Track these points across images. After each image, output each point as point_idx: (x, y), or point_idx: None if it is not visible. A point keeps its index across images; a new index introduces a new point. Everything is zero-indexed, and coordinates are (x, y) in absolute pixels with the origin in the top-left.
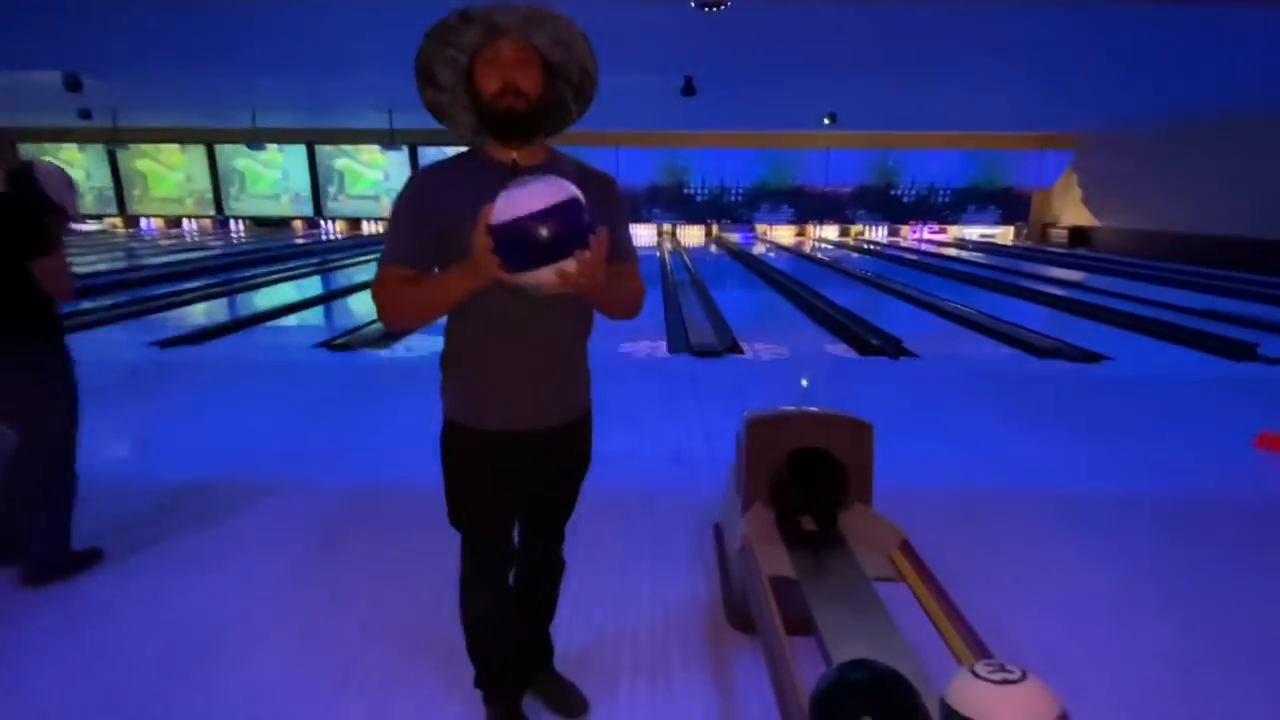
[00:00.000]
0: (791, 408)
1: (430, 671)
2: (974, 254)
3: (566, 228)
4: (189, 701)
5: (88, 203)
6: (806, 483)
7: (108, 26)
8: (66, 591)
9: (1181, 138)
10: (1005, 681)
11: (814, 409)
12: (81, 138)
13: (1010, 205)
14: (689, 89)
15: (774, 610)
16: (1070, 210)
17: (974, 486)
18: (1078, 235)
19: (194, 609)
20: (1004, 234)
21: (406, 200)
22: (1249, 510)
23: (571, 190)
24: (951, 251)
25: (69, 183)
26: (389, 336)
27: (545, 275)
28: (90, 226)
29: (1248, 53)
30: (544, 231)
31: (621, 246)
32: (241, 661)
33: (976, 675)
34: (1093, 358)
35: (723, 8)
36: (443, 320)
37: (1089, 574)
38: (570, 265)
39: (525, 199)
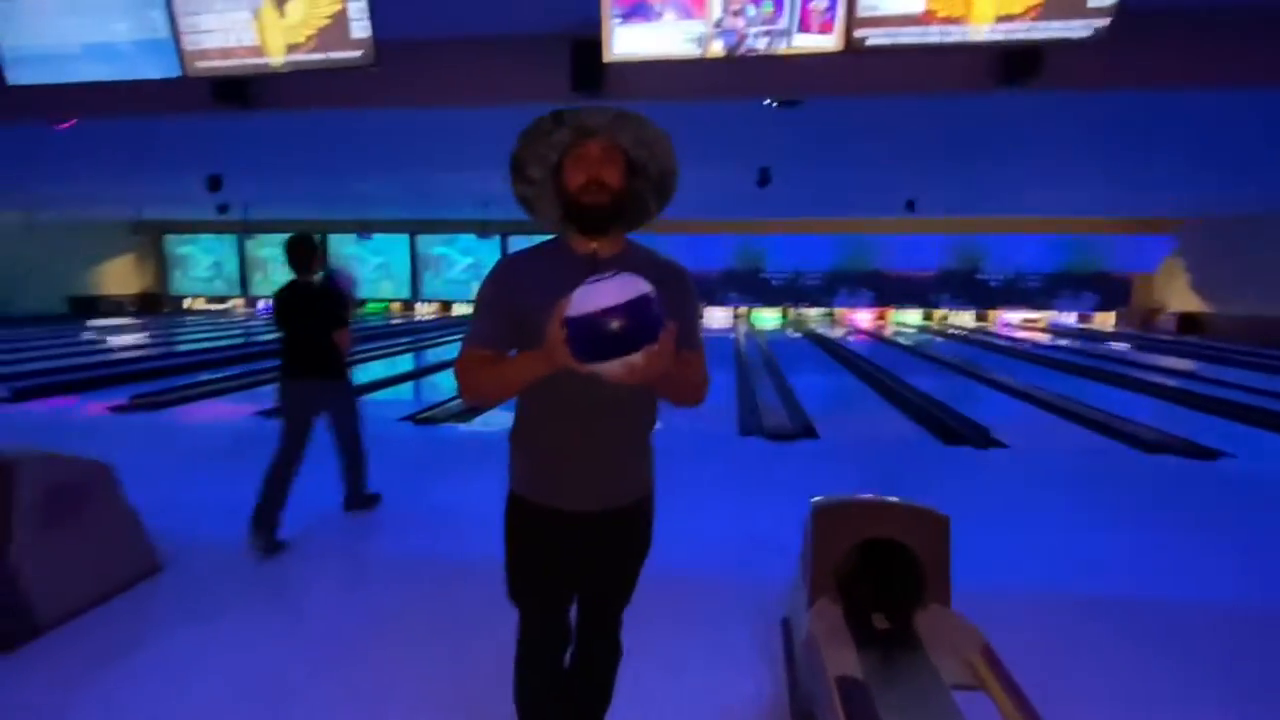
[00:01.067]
0: (863, 496)
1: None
2: (1071, 341)
3: (636, 324)
4: None
5: (217, 286)
6: (879, 577)
7: (242, 137)
8: (158, 643)
9: None
10: None
11: (887, 498)
12: (216, 229)
13: (1108, 290)
14: (764, 180)
15: (841, 713)
16: (1178, 295)
17: (1063, 591)
18: (1187, 321)
19: (264, 665)
20: (1103, 320)
21: (490, 285)
22: None
23: (644, 288)
24: (1045, 338)
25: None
26: (471, 411)
27: (613, 367)
28: (217, 306)
29: None
30: (614, 326)
31: (689, 336)
32: (309, 705)
33: None
34: (1208, 454)
35: (799, 105)
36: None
37: (1193, 694)
38: (638, 359)
39: (600, 295)
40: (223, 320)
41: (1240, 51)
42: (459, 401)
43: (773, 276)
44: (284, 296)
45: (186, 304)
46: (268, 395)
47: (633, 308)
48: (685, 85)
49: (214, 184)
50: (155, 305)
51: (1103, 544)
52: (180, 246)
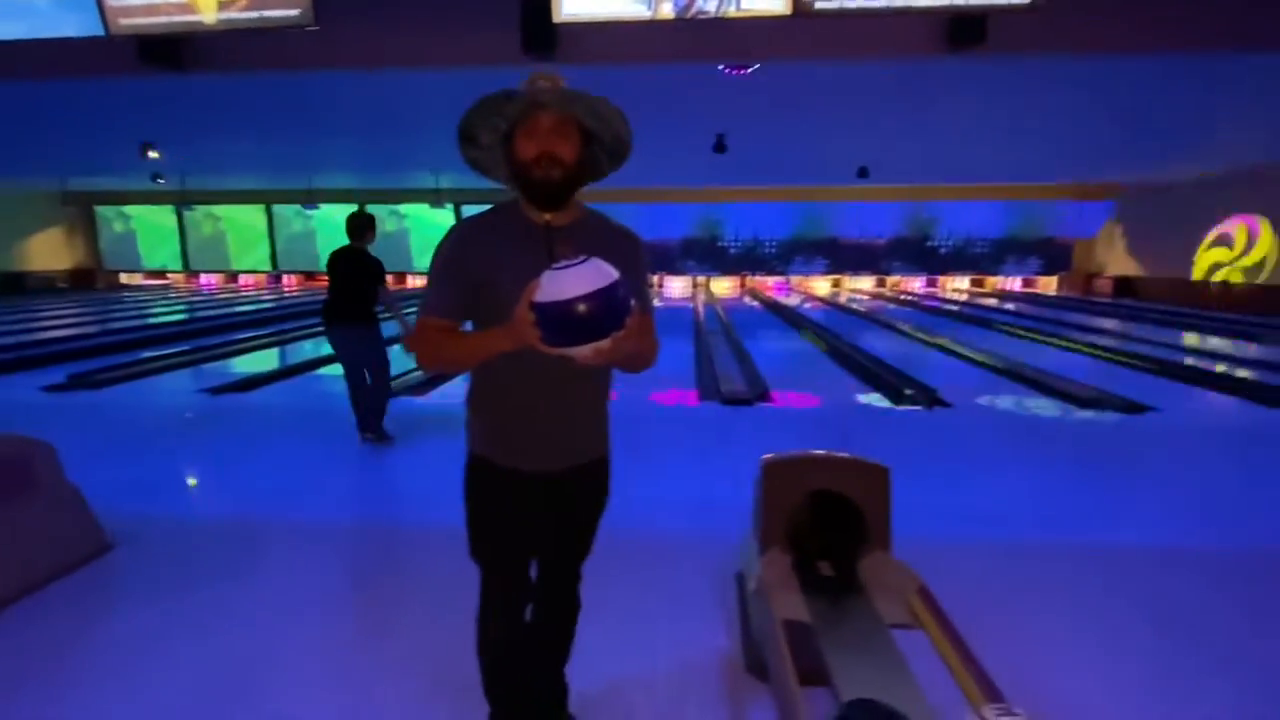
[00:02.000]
0: (809, 451)
1: (447, 706)
2: (1015, 304)
3: (605, 311)
4: None
5: (156, 260)
6: (825, 528)
7: (176, 100)
8: (115, 622)
9: (1228, 186)
10: None
11: (832, 452)
12: (152, 199)
13: (1051, 255)
14: (720, 147)
15: (787, 654)
16: (1115, 260)
17: (1006, 538)
18: (1122, 284)
19: (230, 639)
20: (1046, 284)
21: (445, 254)
22: None
23: (613, 276)
24: (991, 302)
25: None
26: (428, 383)
27: (582, 351)
28: (156, 281)
29: None
30: (583, 313)
31: (640, 300)
32: (271, 691)
33: (981, 718)
34: (1137, 408)
35: (746, 72)
36: None
37: (1126, 629)
38: (605, 344)
39: (569, 282)
40: (163, 296)
41: (1176, 17)
42: (417, 374)
43: (730, 245)
44: (339, 256)
45: (124, 279)
46: (213, 373)
47: (601, 295)
48: (637, 48)
49: (145, 149)
50: (89, 281)
51: (1042, 493)
52: (114, 219)
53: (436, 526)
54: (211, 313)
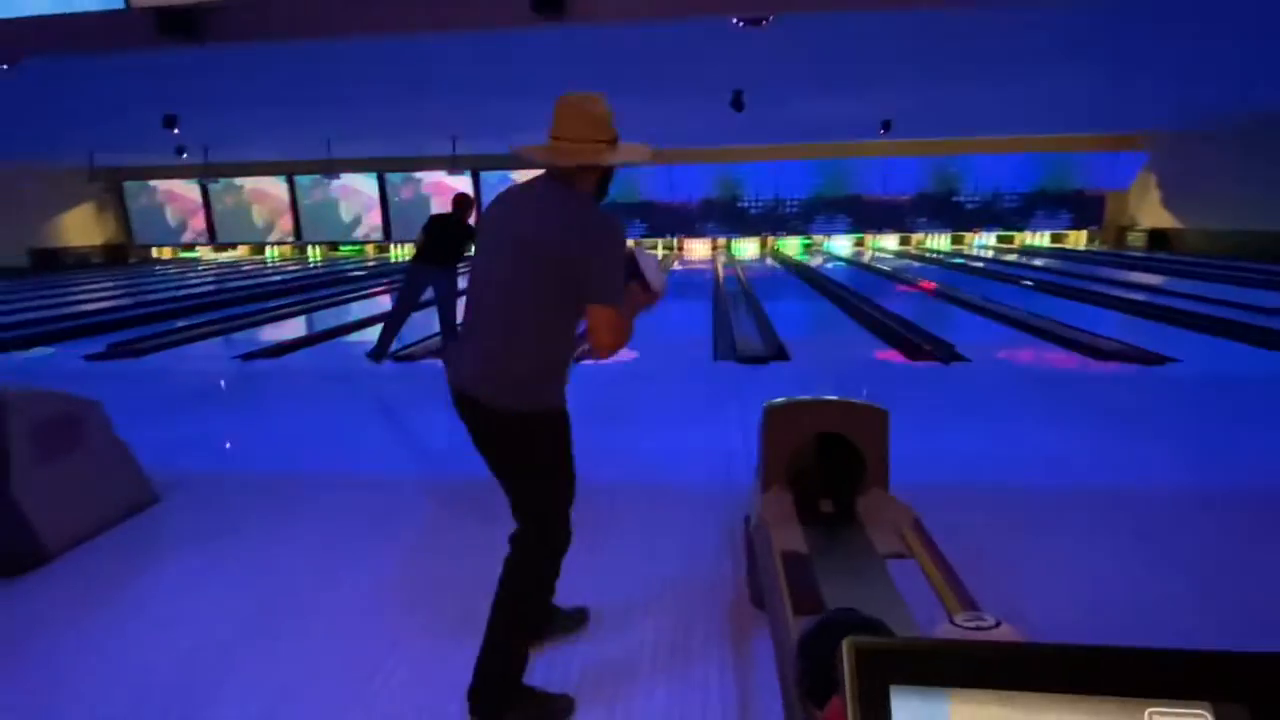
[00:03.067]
0: (810, 397)
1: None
2: (1044, 260)
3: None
4: (261, 658)
5: (185, 235)
6: (828, 468)
7: (196, 72)
8: (163, 567)
9: (1265, 133)
10: (979, 628)
11: (831, 397)
12: (177, 174)
13: (1082, 209)
14: (737, 104)
15: (783, 582)
16: (1149, 212)
17: (1016, 484)
18: (1157, 238)
19: (269, 581)
20: (1076, 239)
21: (624, 244)
22: None
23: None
24: (1019, 258)
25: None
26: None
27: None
28: (186, 255)
29: None
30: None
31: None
32: (306, 626)
33: (954, 624)
34: (1158, 360)
35: (765, 24)
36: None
37: (1128, 568)
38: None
39: (653, 260)
40: (192, 269)
41: None
42: (437, 339)
43: (751, 205)
44: (438, 218)
45: (154, 253)
46: (244, 341)
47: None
48: (648, 5)
49: (169, 122)
50: (122, 256)
51: (1056, 442)
52: (142, 195)
53: (455, 478)
54: (240, 284)
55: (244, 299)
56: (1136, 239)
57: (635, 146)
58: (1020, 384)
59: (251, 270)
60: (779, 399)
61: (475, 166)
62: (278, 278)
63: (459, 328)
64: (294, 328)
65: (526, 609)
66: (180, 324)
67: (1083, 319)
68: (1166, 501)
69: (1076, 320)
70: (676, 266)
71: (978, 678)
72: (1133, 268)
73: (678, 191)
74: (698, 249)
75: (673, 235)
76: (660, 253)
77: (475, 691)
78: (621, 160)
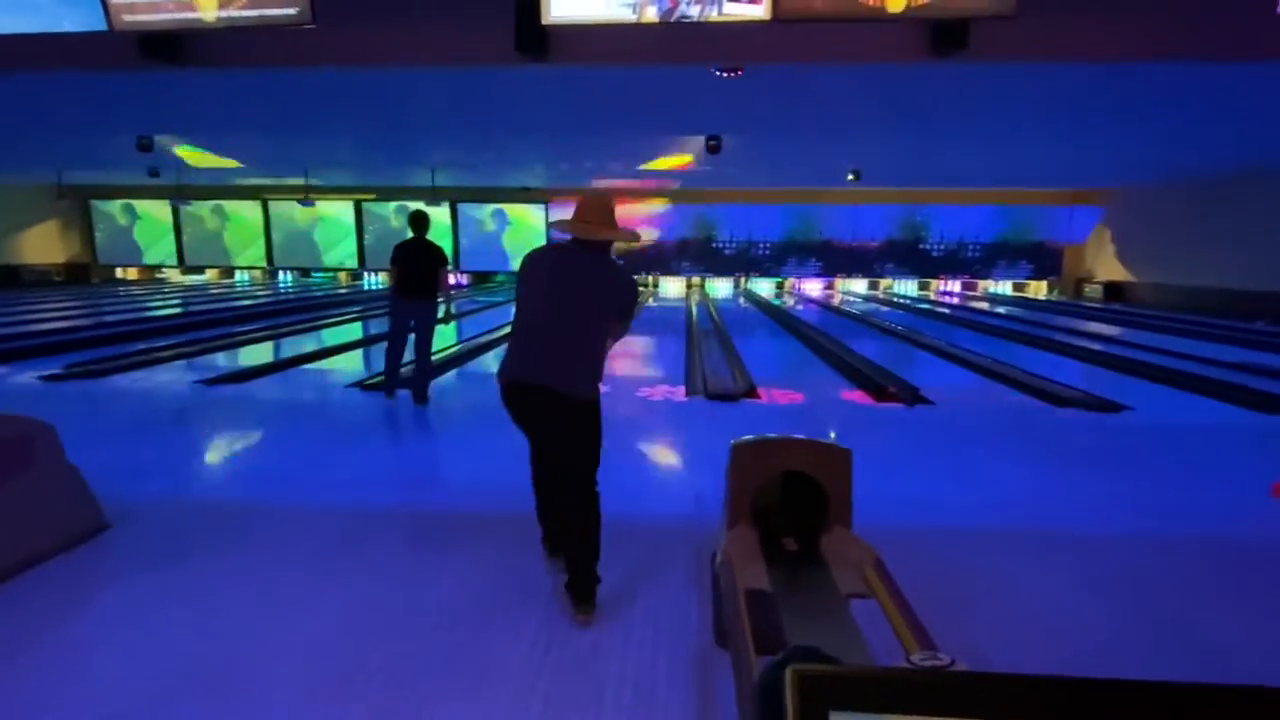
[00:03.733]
0: (776, 435)
1: (428, 676)
2: (1005, 308)
3: None
4: (206, 702)
5: (151, 255)
6: (792, 507)
7: (174, 96)
8: (112, 595)
9: (1217, 192)
10: (935, 666)
11: (796, 436)
12: (148, 194)
13: (1042, 259)
14: (714, 147)
15: (746, 621)
16: (1104, 265)
17: (976, 526)
18: (1112, 290)
19: (221, 612)
20: (1037, 288)
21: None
22: (1261, 556)
23: None
24: (983, 305)
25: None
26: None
27: None
28: (152, 276)
29: (1274, 109)
30: None
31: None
32: (259, 660)
33: (911, 662)
34: (1114, 407)
35: (738, 74)
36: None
37: (1084, 611)
38: None
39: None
40: (158, 291)
41: (1158, 26)
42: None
43: (725, 246)
44: (404, 246)
45: (119, 274)
46: (207, 365)
47: None
48: (625, 50)
49: (144, 145)
50: (83, 275)
51: (1015, 485)
52: (109, 213)
53: (418, 508)
54: (206, 307)
55: (210, 323)
56: (1093, 291)
57: (631, 231)
58: (981, 427)
59: (219, 294)
60: (746, 437)
61: (454, 198)
62: (246, 302)
63: (430, 361)
64: (260, 353)
65: (593, 528)
66: (141, 346)
67: (1042, 366)
68: (1123, 546)
69: (1036, 367)
70: (651, 303)
71: (916, 703)
72: (1089, 318)
73: (656, 230)
74: (672, 287)
75: (648, 273)
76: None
77: (575, 581)
78: (624, 240)
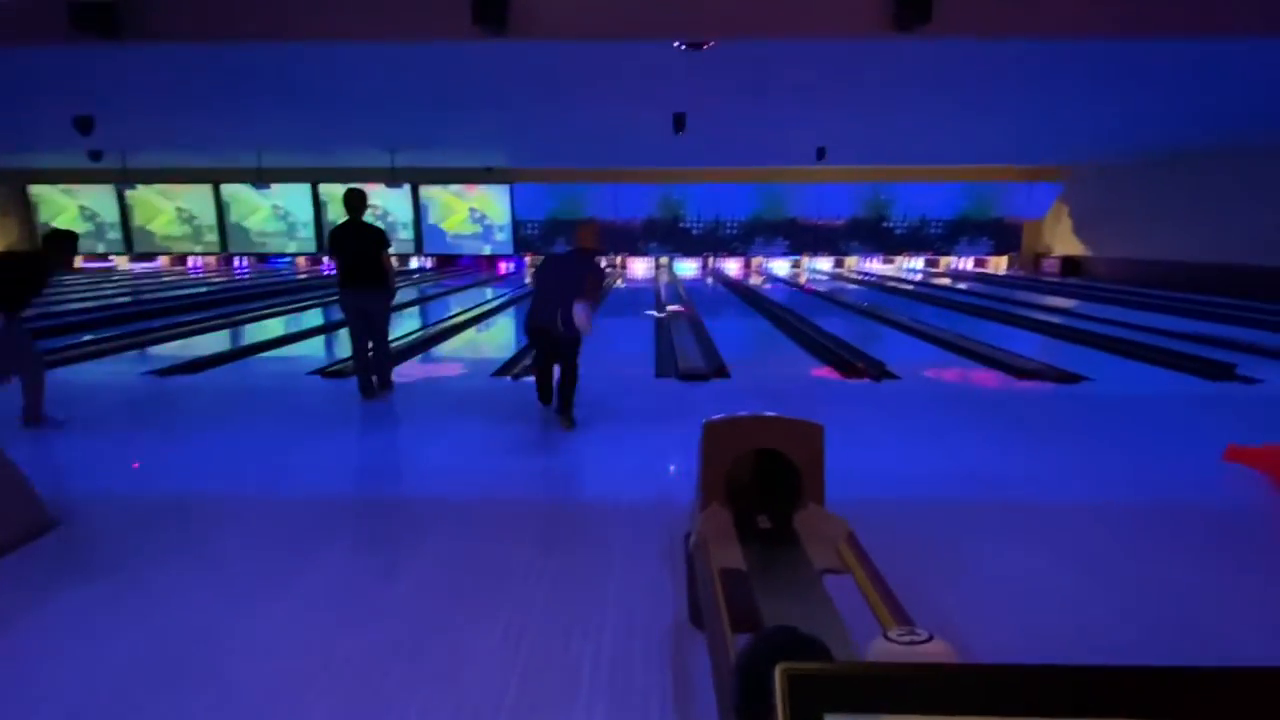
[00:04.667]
0: (747, 413)
1: (398, 666)
2: (967, 283)
3: None
4: (158, 714)
5: (98, 242)
6: (765, 484)
7: (115, 73)
8: (56, 599)
9: (1167, 169)
10: (913, 642)
11: (768, 414)
12: (90, 178)
13: (1002, 236)
14: (679, 125)
15: (721, 600)
16: (1062, 240)
17: (943, 496)
18: (1069, 264)
19: (173, 615)
20: (997, 264)
21: None
22: (1215, 519)
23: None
24: (945, 281)
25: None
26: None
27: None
28: (97, 264)
29: (1229, 86)
30: None
31: None
32: (211, 666)
33: (889, 638)
34: (1073, 378)
35: (705, 48)
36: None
37: (1053, 578)
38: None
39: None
40: (105, 279)
41: (1117, 1)
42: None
43: (692, 226)
44: (340, 231)
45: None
46: (158, 356)
47: None
48: (590, 23)
49: (84, 125)
50: None
51: (979, 456)
52: (50, 198)
53: (380, 501)
54: (157, 295)
55: (161, 311)
56: (1051, 265)
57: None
58: (946, 400)
59: (172, 281)
60: (718, 416)
61: (415, 180)
62: (200, 289)
63: (389, 349)
64: (215, 342)
65: (574, 382)
66: (88, 337)
67: (1004, 339)
68: (1086, 514)
69: (998, 340)
70: (620, 284)
71: (911, 702)
72: (1047, 292)
73: (621, 210)
74: (640, 267)
75: (616, 253)
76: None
77: (565, 407)
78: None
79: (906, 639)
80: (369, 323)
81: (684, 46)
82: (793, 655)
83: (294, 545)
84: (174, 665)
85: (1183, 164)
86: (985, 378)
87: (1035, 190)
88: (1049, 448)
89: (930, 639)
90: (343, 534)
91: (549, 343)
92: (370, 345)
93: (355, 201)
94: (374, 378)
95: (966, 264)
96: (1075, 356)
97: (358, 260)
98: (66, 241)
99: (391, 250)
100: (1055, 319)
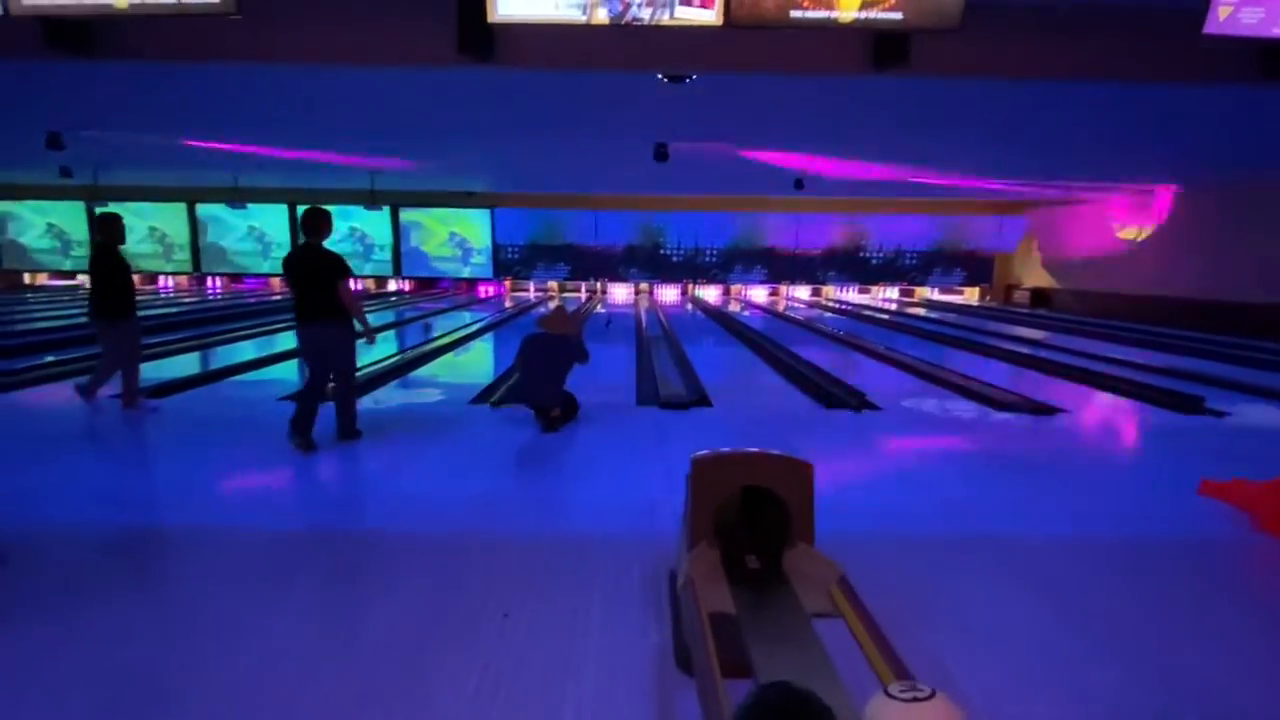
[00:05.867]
0: (737, 449)
1: (367, 714)
2: (941, 314)
3: None
4: None
5: (66, 259)
6: (753, 522)
7: (87, 89)
8: (18, 633)
9: (1126, 204)
10: (915, 699)
11: (758, 450)
12: (59, 195)
13: (975, 268)
14: (661, 155)
15: (711, 647)
16: (1031, 272)
17: (926, 532)
18: (1039, 296)
19: (127, 655)
20: (970, 295)
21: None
22: (1193, 554)
23: None
24: (920, 311)
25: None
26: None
27: None
28: (63, 282)
29: (1186, 129)
30: None
31: None
32: (180, 700)
33: (890, 695)
34: (1048, 410)
35: (689, 80)
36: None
37: (1034, 614)
38: None
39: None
40: (70, 298)
41: (1093, 46)
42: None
43: (672, 253)
44: (292, 258)
45: (26, 279)
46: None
47: None
48: (573, 53)
49: (53, 142)
50: None
51: (960, 490)
52: (15, 214)
53: (349, 532)
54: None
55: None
56: (1021, 297)
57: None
58: (926, 432)
59: (141, 301)
60: (705, 451)
61: (395, 203)
62: (170, 310)
63: (353, 391)
64: (183, 365)
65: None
66: (50, 358)
67: (980, 370)
68: (1068, 549)
69: (974, 371)
70: (600, 310)
71: None
72: (1019, 323)
73: (602, 236)
74: (620, 293)
75: (596, 279)
76: (584, 295)
77: (551, 424)
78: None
79: (909, 696)
80: (325, 361)
81: (666, 80)
82: (791, 713)
83: (254, 584)
84: (128, 711)
85: (1139, 200)
86: (963, 409)
87: (1005, 224)
88: (1029, 480)
89: (933, 694)
90: (308, 571)
91: (545, 401)
92: (333, 388)
93: (312, 222)
94: (337, 426)
95: (940, 295)
96: (1049, 388)
97: (310, 290)
98: (118, 222)
99: (374, 274)
100: (1027, 350)
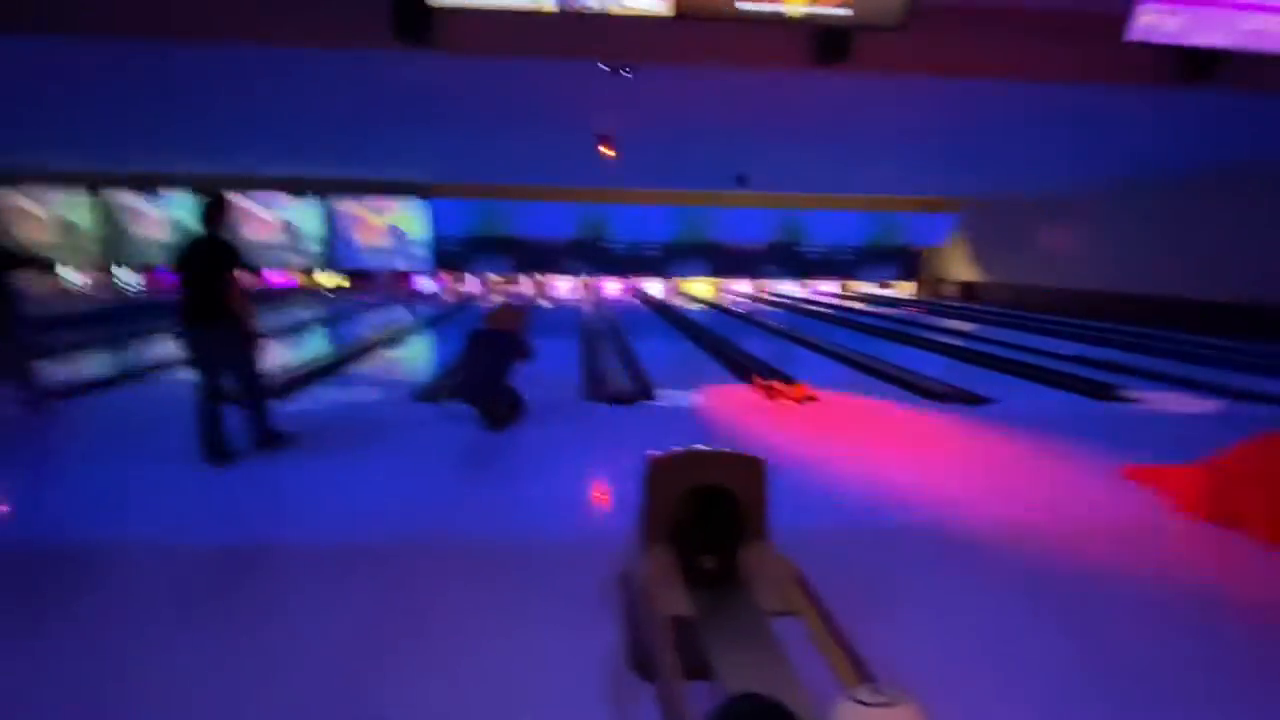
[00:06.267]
0: (691, 446)
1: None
2: (875, 307)
3: None
4: None
5: None
6: (706, 521)
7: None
8: None
9: (1049, 203)
10: (882, 705)
11: (712, 447)
12: None
13: (906, 262)
14: (605, 145)
15: (671, 652)
16: (960, 267)
17: (867, 521)
18: (967, 289)
19: (70, 671)
20: (902, 288)
21: None
22: (1114, 534)
23: None
24: (856, 305)
25: None
26: (288, 387)
27: None
28: None
29: (1107, 130)
30: None
31: None
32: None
33: (857, 700)
34: (979, 400)
35: (627, 72)
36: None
37: (975, 601)
38: None
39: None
40: None
41: (1036, 49)
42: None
43: (613, 246)
44: (185, 248)
45: None
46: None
47: None
48: (517, 40)
49: None
50: None
51: (898, 479)
52: None
53: (286, 543)
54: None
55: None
56: (950, 290)
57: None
58: (865, 423)
59: (48, 295)
60: (659, 451)
61: (324, 191)
62: (81, 306)
63: (262, 398)
64: (98, 363)
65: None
66: None
67: (912, 361)
68: (1008, 534)
69: (906, 362)
70: (543, 303)
71: None
72: (948, 315)
73: (544, 229)
74: (563, 286)
75: (537, 272)
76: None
77: (500, 424)
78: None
79: (875, 702)
80: (217, 371)
81: (607, 69)
82: None
83: (195, 596)
84: None
85: (1063, 201)
86: (898, 397)
87: (935, 220)
88: (966, 469)
89: (899, 701)
90: (249, 583)
91: (489, 398)
92: (235, 395)
93: (208, 211)
94: (254, 439)
95: (875, 288)
96: (978, 378)
97: (199, 287)
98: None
99: (302, 268)
100: (958, 341)
